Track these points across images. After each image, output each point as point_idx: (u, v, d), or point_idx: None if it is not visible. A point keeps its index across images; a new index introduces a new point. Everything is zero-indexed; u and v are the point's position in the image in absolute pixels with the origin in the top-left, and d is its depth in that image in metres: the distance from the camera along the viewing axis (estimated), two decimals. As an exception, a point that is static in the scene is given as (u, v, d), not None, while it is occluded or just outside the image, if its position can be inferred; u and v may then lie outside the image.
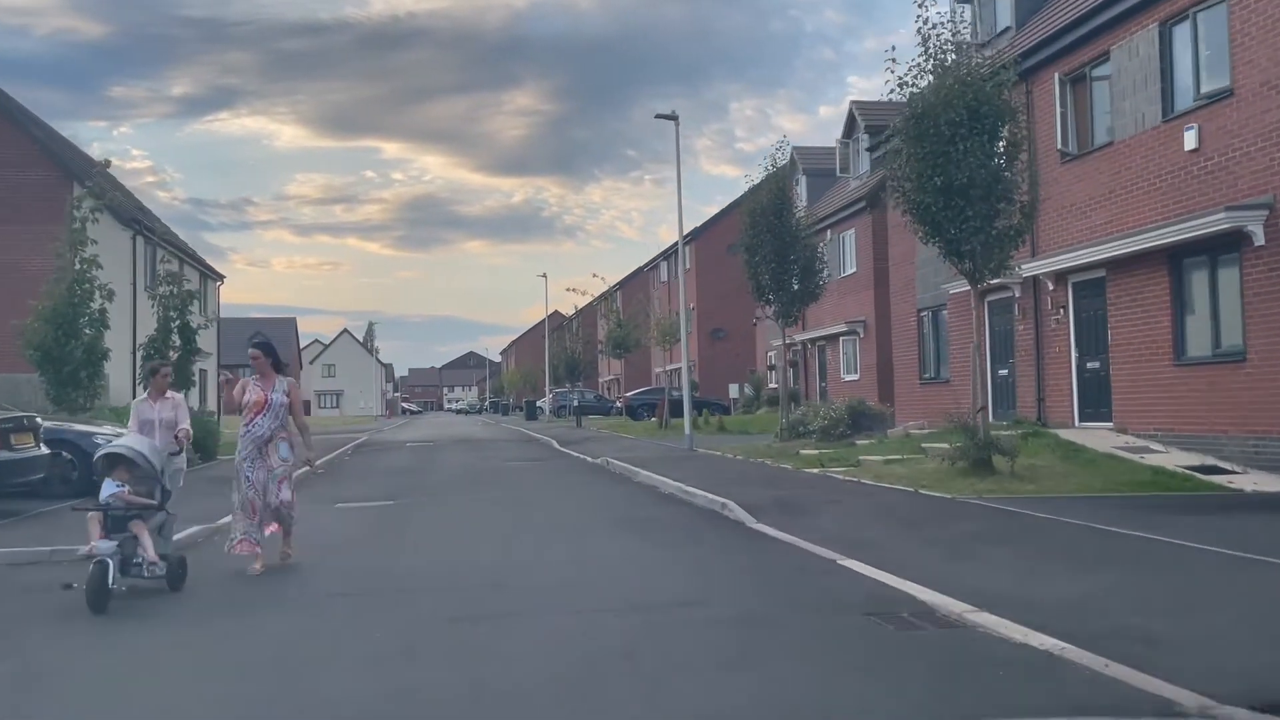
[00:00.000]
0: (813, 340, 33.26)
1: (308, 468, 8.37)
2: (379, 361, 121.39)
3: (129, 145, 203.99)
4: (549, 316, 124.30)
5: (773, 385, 37.89)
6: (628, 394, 44.38)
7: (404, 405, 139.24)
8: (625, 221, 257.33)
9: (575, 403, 40.92)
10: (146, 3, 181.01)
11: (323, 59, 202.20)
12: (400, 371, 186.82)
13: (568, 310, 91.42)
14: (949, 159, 12.08)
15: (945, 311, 19.95)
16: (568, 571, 7.93)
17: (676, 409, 40.05)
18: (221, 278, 34.07)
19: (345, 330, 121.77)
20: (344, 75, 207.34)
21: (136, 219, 24.25)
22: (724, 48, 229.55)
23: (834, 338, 31.40)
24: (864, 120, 30.93)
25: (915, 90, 12.68)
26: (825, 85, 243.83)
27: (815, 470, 14.79)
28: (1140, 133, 14.42)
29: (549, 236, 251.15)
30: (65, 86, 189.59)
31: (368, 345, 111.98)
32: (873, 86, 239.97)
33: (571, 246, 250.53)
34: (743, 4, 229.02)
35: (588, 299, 39.69)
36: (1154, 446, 13.70)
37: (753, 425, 29.75)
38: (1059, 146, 16.06)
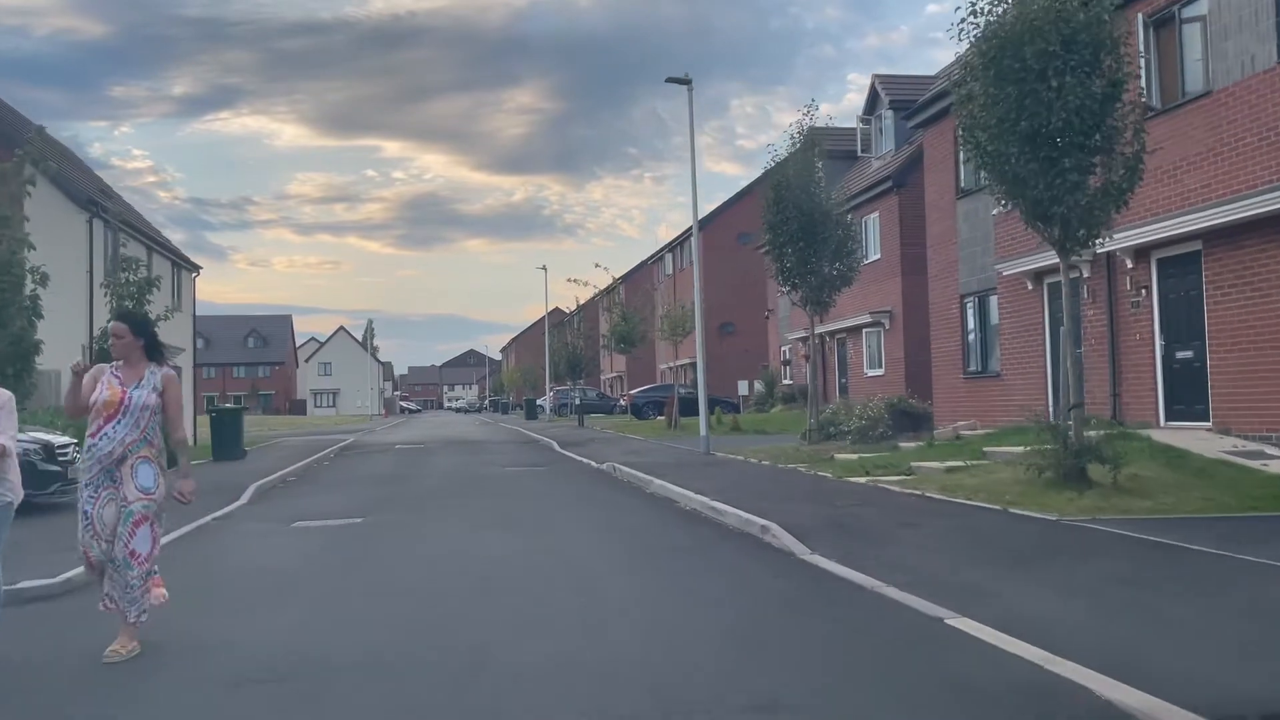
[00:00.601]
0: (831, 333, 31.00)
1: (181, 501, 5.83)
2: (376, 360, 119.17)
3: (130, 145, 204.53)
4: (550, 313, 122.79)
5: (787, 382, 35.66)
6: (632, 391, 42.14)
7: (403, 404, 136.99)
8: (626, 219, 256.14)
9: (577, 401, 38.58)
10: (146, 2, 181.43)
11: (323, 58, 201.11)
12: (400, 370, 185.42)
13: (569, 306, 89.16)
14: (1037, 99, 9.82)
15: (995, 296, 17.69)
16: (573, 639, 5.67)
17: (686, 407, 37.85)
18: (197, 269, 31.81)
19: (341, 328, 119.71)
20: (344, 74, 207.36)
21: (94, 200, 22.03)
22: (724, 46, 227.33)
23: (856, 330, 29.14)
24: (888, 95, 28.70)
25: (992, 20, 10.41)
26: (825, 82, 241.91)
27: (862, 480, 12.52)
28: (1247, 78, 12.15)
29: (550, 234, 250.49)
30: (65, 86, 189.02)
31: (366, 344, 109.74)
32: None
33: (572, 245, 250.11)
34: (742, 2, 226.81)
35: (590, 291, 37.47)
36: (1270, 451, 11.45)
37: (770, 425, 27.50)
38: (1141, 100, 13.76)
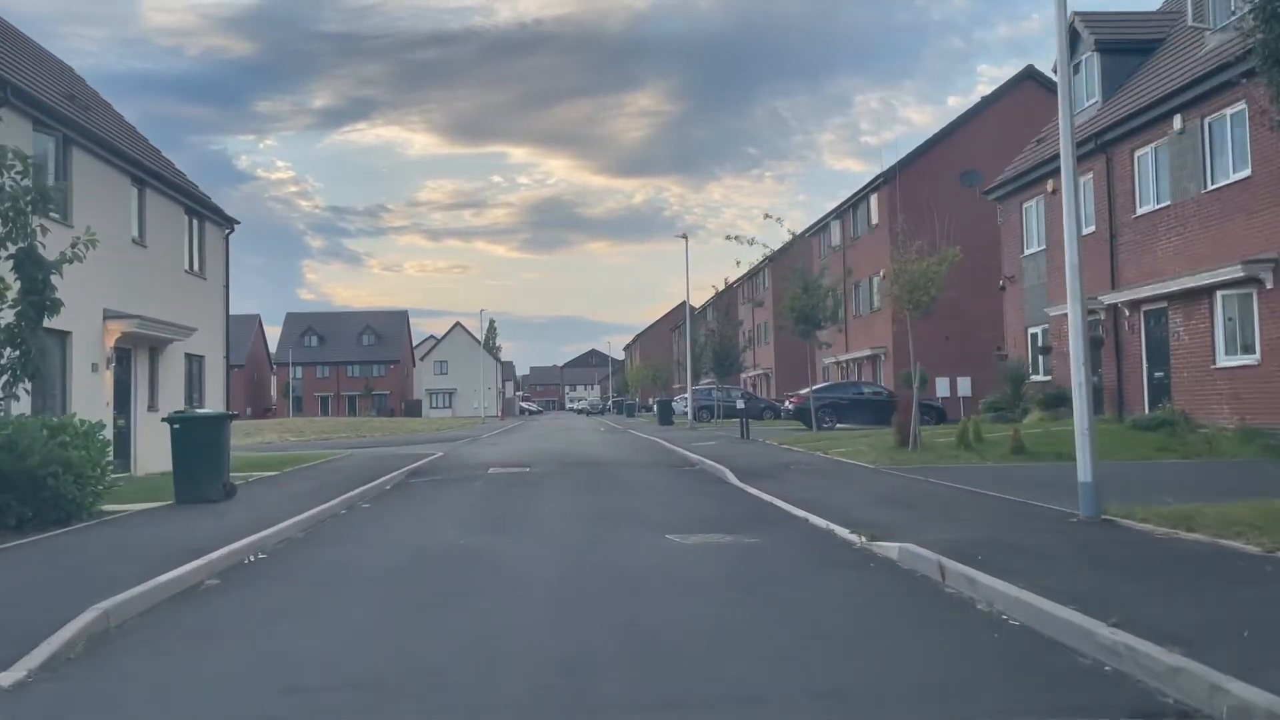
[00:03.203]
0: (1135, 302, 20.55)
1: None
2: (495, 358, 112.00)
3: (274, 157, 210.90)
4: (679, 306, 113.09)
5: (1039, 377, 25.18)
6: (803, 391, 32.30)
7: (523, 404, 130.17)
8: (746, 219, 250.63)
9: (739, 404, 28.58)
10: (289, 20, 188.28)
11: (452, 68, 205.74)
12: (522, 370, 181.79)
13: (698, 301, 79.16)
14: None
15: None
16: None
17: (872, 412, 28.16)
18: (230, 224, 23.49)
19: (458, 324, 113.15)
20: (472, 83, 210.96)
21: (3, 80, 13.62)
22: (847, 41, 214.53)
23: (1195, 295, 18.63)
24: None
25: None
26: (954, 75, 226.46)
27: None
28: None
29: (670, 236, 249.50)
30: (215, 103, 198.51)
31: (487, 343, 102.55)
32: (1003, 74, 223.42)
33: (693, 245, 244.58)
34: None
35: (758, 251, 27.50)
36: None
37: (1060, 445, 17.22)
38: None
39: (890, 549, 8.22)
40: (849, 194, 41.02)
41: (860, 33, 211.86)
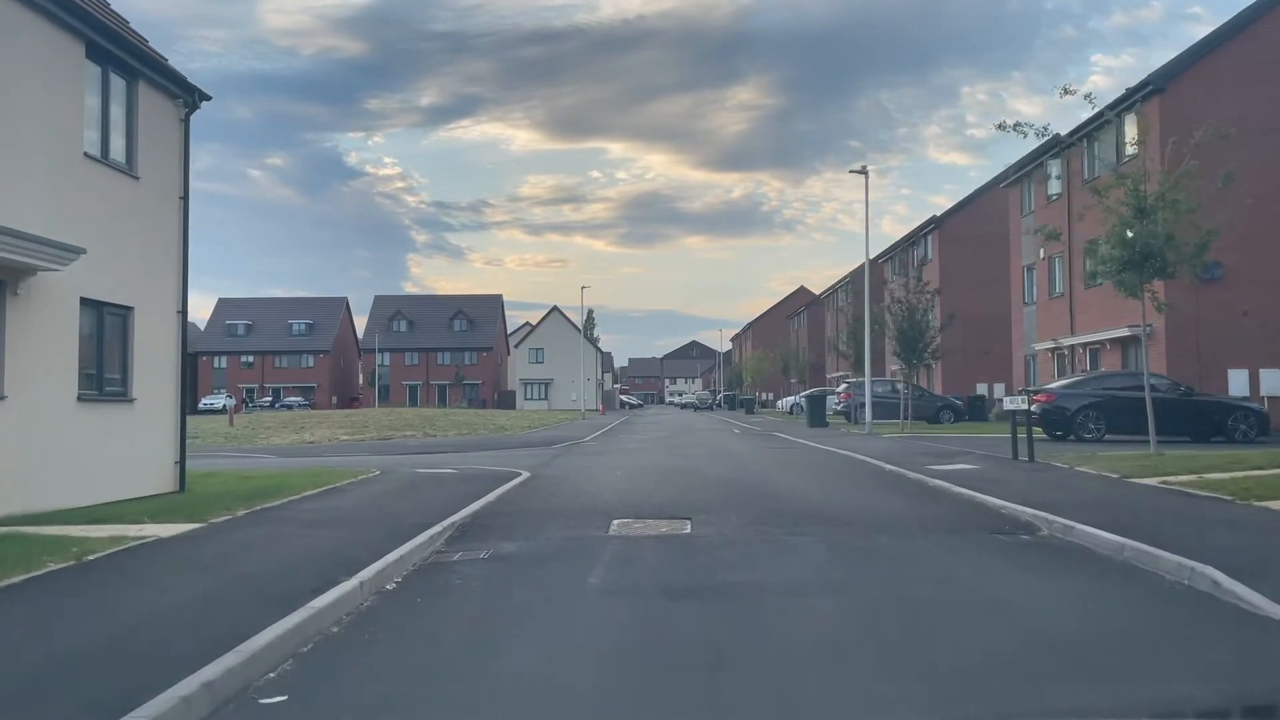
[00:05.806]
0: None
1: None
2: (595, 347, 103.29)
3: (382, 154, 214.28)
4: (796, 293, 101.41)
5: None
6: (1052, 385, 21.98)
7: (622, 397, 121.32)
8: (847, 214, 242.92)
9: (1018, 404, 17.23)
10: (400, 19, 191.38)
11: (555, 65, 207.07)
12: (620, 362, 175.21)
13: (817, 286, 68.47)
14: None
15: None
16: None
17: (1130, 414, 17.79)
18: (194, 98, 14.41)
19: (555, 308, 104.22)
20: (574, 79, 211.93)
21: None
22: (955, 30, 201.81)
23: None
24: None
25: None
26: (1067, 65, 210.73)
27: None
28: None
29: (768, 231, 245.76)
30: (328, 101, 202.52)
31: (586, 331, 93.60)
32: (1122, 65, 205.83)
33: (791, 240, 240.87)
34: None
35: (1029, 142, 16.64)
36: None
37: None
38: None
39: None
40: (1086, 118, 30.09)
41: (968, 22, 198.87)
